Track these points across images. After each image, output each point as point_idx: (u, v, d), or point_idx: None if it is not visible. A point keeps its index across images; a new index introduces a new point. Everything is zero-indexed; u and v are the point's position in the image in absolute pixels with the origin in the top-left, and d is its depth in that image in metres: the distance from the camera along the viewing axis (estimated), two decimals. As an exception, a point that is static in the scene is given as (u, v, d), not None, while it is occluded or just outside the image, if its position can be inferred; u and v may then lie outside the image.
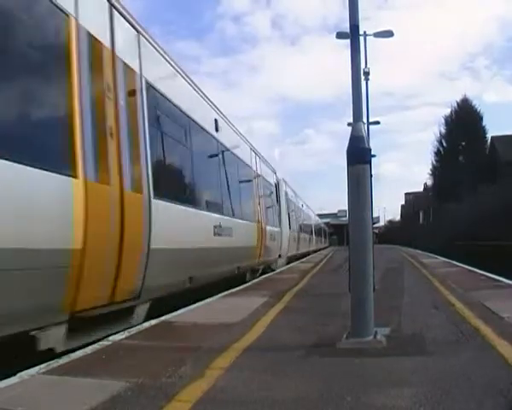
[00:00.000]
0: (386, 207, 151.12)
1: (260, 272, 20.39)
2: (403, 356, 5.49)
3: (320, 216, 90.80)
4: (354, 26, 6.28)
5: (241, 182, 17.20)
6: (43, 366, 5.27)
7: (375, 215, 44.84)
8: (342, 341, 6.00)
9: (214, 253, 12.49)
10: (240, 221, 15.73)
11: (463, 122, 57.60)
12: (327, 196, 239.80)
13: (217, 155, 14.23)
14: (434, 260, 25.39)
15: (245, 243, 16.37)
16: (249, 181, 18.68)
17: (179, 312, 9.33)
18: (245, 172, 18.06)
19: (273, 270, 22.73)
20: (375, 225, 52.37)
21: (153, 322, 8.12)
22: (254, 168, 19.78)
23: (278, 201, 25.56)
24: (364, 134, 6.10)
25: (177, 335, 7.33)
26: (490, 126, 63.20)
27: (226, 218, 13.96)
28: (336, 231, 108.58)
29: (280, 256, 25.00)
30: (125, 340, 6.77)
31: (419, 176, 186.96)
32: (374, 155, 37.91)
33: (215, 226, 12.68)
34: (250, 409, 4.02)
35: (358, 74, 6.23)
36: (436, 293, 11.00)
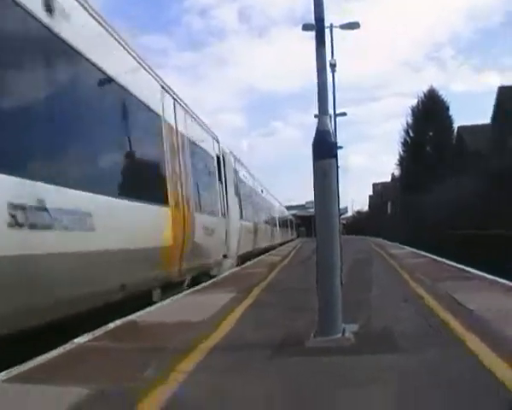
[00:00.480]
0: (354, 197, 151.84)
1: (188, 283, 13.93)
2: (371, 354, 5.40)
3: (288, 208, 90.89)
4: (319, 18, 6.15)
5: (132, 133, 10.30)
6: (3, 373, 5.08)
7: (342, 206, 44.82)
8: (310, 339, 5.89)
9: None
10: (121, 202, 9.08)
11: (430, 112, 57.85)
12: (295, 188, 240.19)
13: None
14: (402, 251, 25.47)
15: (138, 243, 9.56)
16: (156, 137, 11.52)
17: (146, 310, 9.19)
18: (147, 121, 11.11)
19: (213, 277, 16.10)
20: (343, 216, 52.57)
21: (118, 322, 7.94)
22: (171, 120, 12.58)
23: (222, 180, 18.55)
24: (330, 128, 6.00)
25: (143, 335, 7.18)
26: (457, 116, 63.65)
27: (67, 192, 7.19)
28: (304, 223, 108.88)
29: (226, 256, 18.55)
30: (91, 342, 6.59)
31: (387, 166, 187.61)
32: (340, 147, 38.08)
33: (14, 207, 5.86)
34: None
35: (324, 67, 6.11)
36: (405, 285, 11.02)
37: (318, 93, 6.05)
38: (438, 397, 4.04)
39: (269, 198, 43.53)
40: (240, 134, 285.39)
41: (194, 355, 5.60)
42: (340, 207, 42.00)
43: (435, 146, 56.88)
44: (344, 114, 34.02)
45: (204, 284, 13.74)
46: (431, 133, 58.43)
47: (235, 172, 23.09)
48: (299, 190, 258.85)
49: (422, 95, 60.44)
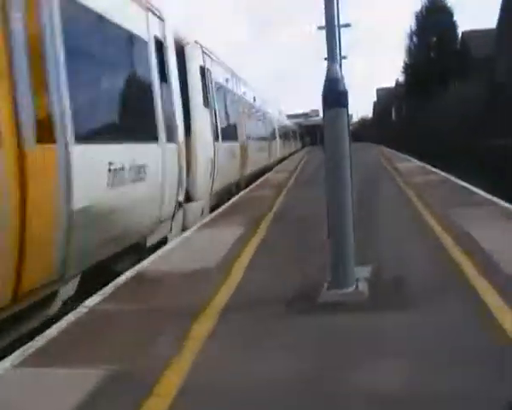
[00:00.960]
0: (359, 104, 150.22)
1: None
2: (386, 311, 5.31)
3: (292, 117, 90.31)
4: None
5: None
6: (17, 353, 4.95)
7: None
8: (323, 292, 5.80)
9: None
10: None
11: (434, 18, 56.78)
12: (299, 96, 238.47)
13: None
14: (409, 165, 25.19)
15: None
16: None
17: (155, 256, 9.07)
18: None
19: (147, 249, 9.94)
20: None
21: (128, 274, 7.84)
22: None
23: (171, 82, 11.28)
24: (340, 76, 5.74)
25: (153, 292, 6.97)
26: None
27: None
28: (309, 132, 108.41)
29: (189, 200, 12.85)
30: (101, 305, 6.41)
31: (391, 71, 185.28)
32: (344, 57, 37.43)
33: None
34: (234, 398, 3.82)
35: (332, 12, 5.82)
36: (416, 217, 10.80)
37: (326, 38, 5.78)
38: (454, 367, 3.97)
39: (265, 108, 36.42)
40: (241, 41, 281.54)
41: (207, 318, 5.50)
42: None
43: (439, 52, 55.97)
44: (348, 25, 33.17)
45: (214, 214, 13.66)
46: (435, 39, 57.43)
47: (205, 72, 15.50)
48: (303, 98, 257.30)
49: (426, 0, 59.23)
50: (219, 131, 16.32)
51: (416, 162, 26.98)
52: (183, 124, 11.73)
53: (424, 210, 11.01)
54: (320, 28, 39.65)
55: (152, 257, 8.95)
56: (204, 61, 15.49)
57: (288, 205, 14.47)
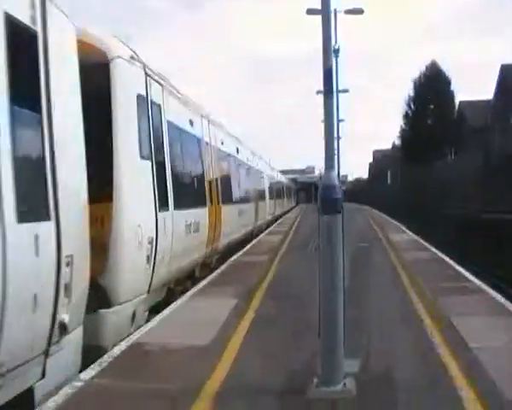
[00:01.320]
0: (354, 164, 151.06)
1: None
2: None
3: (287, 172, 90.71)
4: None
5: None
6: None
7: (343, 173, 44.53)
8: (312, 388, 6.02)
9: None
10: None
11: (432, 85, 57.93)
12: (294, 153, 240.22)
13: None
14: (404, 238, 25.19)
15: None
16: None
17: (150, 325, 9.31)
18: None
19: None
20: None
21: (123, 346, 8.08)
22: None
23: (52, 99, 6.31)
24: (336, 182, 6.07)
25: (149, 367, 7.28)
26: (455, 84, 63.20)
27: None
28: (304, 188, 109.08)
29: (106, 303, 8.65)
30: (97, 379, 6.67)
31: (387, 133, 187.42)
32: (342, 120, 38.05)
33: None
34: None
35: (332, 120, 6.17)
36: (404, 296, 11.06)
37: (325, 145, 6.12)
38: None
39: (251, 161, 30.89)
40: (238, 96, 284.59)
41: (201, 403, 5.74)
42: (341, 174, 41.58)
43: (436, 119, 57.01)
44: (346, 90, 33.85)
45: (206, 281, 13.81)
46: (432, 106, 58.48)
47: (149, 105, 10.73)
48: (298, 155, 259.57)
49: (424, 68, 60.44)
50: (171, 193, 11.62)
51: (410, 234, 26.94)
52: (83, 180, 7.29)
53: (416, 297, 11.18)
54: (318, 93, 40.46)
55: (149, 325, 9.32)
56: (147, 89, 10.67)
57: (281, 275, 14.61)
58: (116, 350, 7.87)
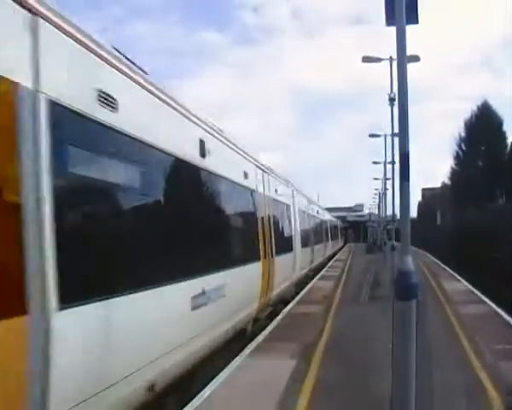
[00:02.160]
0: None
1: None
2: None
3: (335, 210, 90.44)
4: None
5: None
6: None
7: (389, 213, 44.11)
8: None
9: None
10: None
11: (483, 126, 57.38)
12: (343, 190, 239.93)
13: None
14: (458, 287, 24.71)
15: None
16: None
17: (208, 392, 9.26)
18: None
19: None
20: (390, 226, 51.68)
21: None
22: None
23: None
24: (412, 268, 6.04)
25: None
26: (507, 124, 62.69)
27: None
28: (352, 226, 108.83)
29: None
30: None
31: (438, 171, 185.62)
32: (394, 162, 37.74)
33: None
34: None
35: (407, 204, 6.16)
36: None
37: (401, 226, 6.10)
38: None
39: (312, 211, 33.31)
40: (290, 134, 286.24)
41: None
42: (388, 213, 41.21)
43: (487, 160, 56.35)
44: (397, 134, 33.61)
45: (263, 337, 13.74)
46: (483, 148, 57.87)
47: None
48: (347, 192, 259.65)
49: (476, 108, 59.95)
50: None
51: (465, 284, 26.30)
52: None
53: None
54: (371, 136, 40.55)
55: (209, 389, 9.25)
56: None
57: (340, 331, 14.42)
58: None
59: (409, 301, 5.92)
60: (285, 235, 22.10)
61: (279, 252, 18.40)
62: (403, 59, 6.63)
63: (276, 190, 19.70)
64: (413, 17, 6.75)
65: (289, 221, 22.88)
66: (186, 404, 8.53)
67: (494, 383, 9.24)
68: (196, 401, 8.66)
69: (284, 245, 21.08)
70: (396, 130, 26.12)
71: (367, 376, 9.82)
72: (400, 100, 6.42)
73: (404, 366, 5.91)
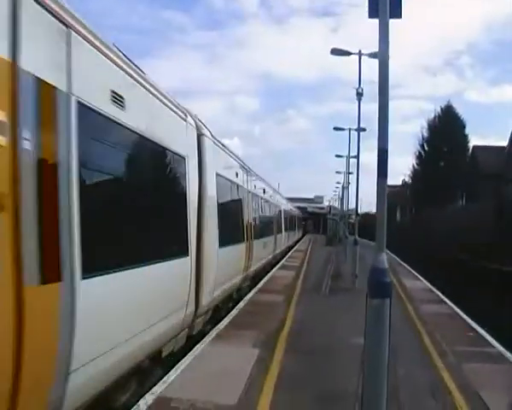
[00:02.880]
0: (362, 197, 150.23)
1: None
2: None
3: (296, 200, 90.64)
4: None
5: None
6: None
7: (351, 206, 44.30)
8: None
9: None
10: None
11: (446, 129, 58.12)
12: (304, 180, 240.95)
13: None
14: (417, 285, 24.96)
15: None
16: None
17: (175, 375, 9.27)
18: None
19: None
20: (351, 220, 52.14)
21: (149, 400, 8.06)
22: None
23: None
24: (386, 266, 6.05)
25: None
26: (470, 127, 63.70)
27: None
28: (312, 217, 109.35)
29: None
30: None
31: (397, 168, 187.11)
32: (354, 157, 37.95)
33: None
34: None
35: (383, 203, 6.18)
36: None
37: (378, 225, 6.11)
38: None
39: (273, 198, 33.88)
40: (256, 118, 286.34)
41: None
42: (350, 207, 41.64)
43: (449, 162, 57.08)
44: (363, 129, 33.56)
45: (224, 322, 13.82)
46: (446, 149, 58.61)
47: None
48: (307, 183, 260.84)
49: (439, 110, 60.72)
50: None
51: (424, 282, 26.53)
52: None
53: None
54: (336, 129, 40.57)
55: (173, 375, 9.27)
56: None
57: (302, 322, 14.48)
58: (142, 405, 7.85)
59: (383, 299, 5.93)
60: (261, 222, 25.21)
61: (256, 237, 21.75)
62: (385, 54, 6.60)
63: (254, 186, 22.51)
64: (397, 12, 6.72)
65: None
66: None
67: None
68: (157, 388, 8.69)
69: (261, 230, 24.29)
70: (362, 124, 26.47)
71: (324, 369, 9.92)
72: (381, 94, 6.39)
73: (377, 363, 5.93)
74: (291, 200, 71.54)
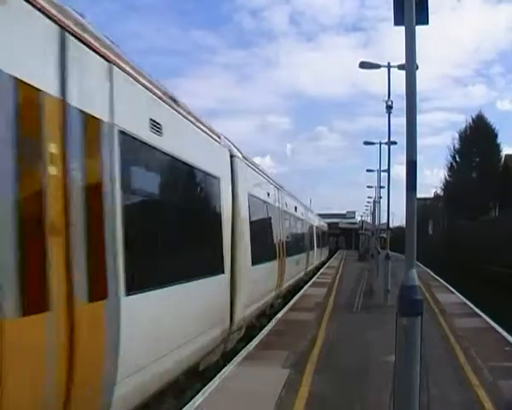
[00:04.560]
0: (394, 211, 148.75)
1: None
2: None
3: (328, 216, 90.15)
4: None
5: None
6: None
7: (383, 221, 43.85)
8: None
9: None
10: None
11: (478, 138, 57.48)
12: (336, 196, 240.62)
13: None
14: (451, 298, 24.47)
15: None
16: None
17: (202, 398, 9.08)
18: None
19: None
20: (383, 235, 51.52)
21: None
22: None
23: None
24: (416, 283, 5.80)
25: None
26: (502, 136, 62.89)
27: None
28: (344, 233, 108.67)
29: None
30: None
31: (429, 180, 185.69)
32: (385, 170, 37.57)
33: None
34: None
35: (413, 217, 5.92)
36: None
37: (407, 243, 5.87)
38: None
39: (305, 216, 33.99)
40: (287, 136, 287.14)
41: None
42: (382, 222, 41.22)
43: (481, 173, 56.43)
44: (394, 143, 33.17)
45: (255, 343, 13.54)
46: (477, 159, 57.97)
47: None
48: (340, 198, 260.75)
49: (471, 120, 60.08)
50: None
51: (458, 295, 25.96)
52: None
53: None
54: (366, 144, 40.29)
55: (200, 398, 9.07)
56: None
57: (332, 344, 14.19)
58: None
59: (414, 317, 5.67)
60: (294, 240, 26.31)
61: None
62: (412, 62, 6.40)
63: (286, 204, 23.53)
64: (423, 18, 6.50)
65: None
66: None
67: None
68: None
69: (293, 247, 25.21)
70: (392, 138, 26.19)
71: (363, 387, 9.64)
72: (408, 105, 6.18)
73: (408, 384, 5.67)
74: (323, 216, 71.10)
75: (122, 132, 6.63)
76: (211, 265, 10.72)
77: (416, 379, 5.69)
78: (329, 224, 77.62)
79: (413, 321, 5.66)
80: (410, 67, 6.40)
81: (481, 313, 19.30)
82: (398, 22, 6.51)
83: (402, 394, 5.75)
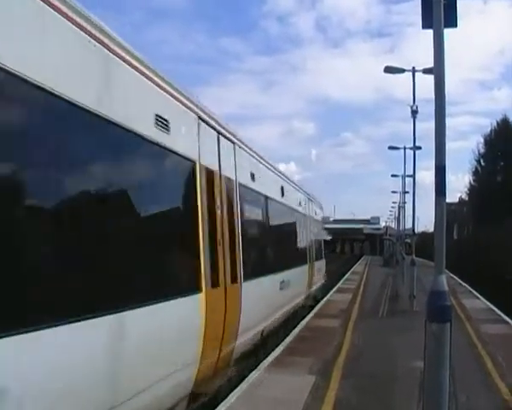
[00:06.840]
0: (419, 216, 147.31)
1: None
2: None
3: (353, 222, 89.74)
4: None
5: None
6: None
7: (408, 226, 43.39)
8: None
9: None
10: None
11: (502, 142, 56.87)
12: (360, 201, 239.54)
13: None
14: (477, 304, 24.24)
15: None
16: None
17: (229, 403, 9.05)
18: None
19: None
20: (407, 240, 51.23)
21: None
22: None
23: None
24: (445, 288, 5.74)
25: None
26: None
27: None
28: (369, 238, 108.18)
29: None
30: None
31: (454, 185, 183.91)
32: (410, 175, 37.28)
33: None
34: None
35: (442, 223, 5.86)
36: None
37: (436, 249, 5.81)
38: None
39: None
40: (310, 143, 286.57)
41: None
42: (407, 227, 40.89)
43: (506, 177, 55.81)
44: (419, 147, 32.90)
45: (280, 351, 13.45)
46: (502, 163, 57.39)
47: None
48: (365, 204, 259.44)
49: (495, 124, 59.49)
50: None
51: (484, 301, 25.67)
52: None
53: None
54: (391, 148, 40.10)
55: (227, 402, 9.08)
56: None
57: (358, 351, 14.09)
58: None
59: (442, 324, 5.61)
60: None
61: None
62: (440, 64, 6.37)
63: (315, 212, 26.01)
64: (452, 21, 6.45)
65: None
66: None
67: None
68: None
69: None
70: (417, 143, 26.05)
71: (390, 394, 9.55)
72: (437, 108, 6.12)
73: (437, 391, 5.61)
74: (348, 222, 70.86)
75: (240, 184, 11.08)
76: (302, 259, 19.90)
77: (446, 386, 5.63)
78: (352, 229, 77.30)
79: (442, 327, 5.61)
80: (438, 69, 6.35)
81: (508, 320, 19.05)
82: (426, 25, 6.48)
83: (431, 401, 5.69)
